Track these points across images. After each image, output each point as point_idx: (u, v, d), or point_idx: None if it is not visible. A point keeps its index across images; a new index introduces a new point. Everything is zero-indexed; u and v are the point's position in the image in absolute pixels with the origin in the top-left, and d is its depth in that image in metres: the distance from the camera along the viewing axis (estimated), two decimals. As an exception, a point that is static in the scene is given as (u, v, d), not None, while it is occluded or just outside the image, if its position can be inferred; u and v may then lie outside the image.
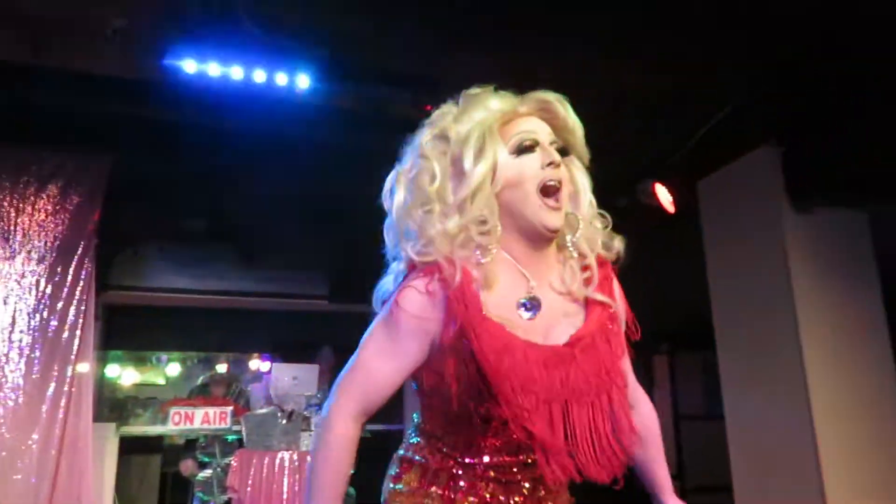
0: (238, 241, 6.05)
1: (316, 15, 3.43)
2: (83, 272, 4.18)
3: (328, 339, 6.44)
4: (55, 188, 4.23)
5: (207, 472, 5.97)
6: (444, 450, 1.42)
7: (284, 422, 5.27)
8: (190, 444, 6.27)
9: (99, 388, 5.21)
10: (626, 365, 1.45)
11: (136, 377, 7.98)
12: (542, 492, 1.40)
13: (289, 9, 3.41)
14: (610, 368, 1.34)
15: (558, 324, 1.35)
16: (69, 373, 4.04)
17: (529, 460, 1.35)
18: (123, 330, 6.69)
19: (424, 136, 1.42)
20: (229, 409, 5.85)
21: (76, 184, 4.28)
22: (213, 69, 3.34)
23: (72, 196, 4.25)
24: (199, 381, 7.25)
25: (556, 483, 1.32)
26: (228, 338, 7.15)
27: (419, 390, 1.44)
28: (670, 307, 5.89)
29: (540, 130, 1.39)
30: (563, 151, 1.42)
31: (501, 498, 1.38)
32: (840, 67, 3.67)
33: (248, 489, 5.23)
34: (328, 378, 6.36)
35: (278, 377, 5.50)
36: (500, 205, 1.33)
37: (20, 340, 4.01)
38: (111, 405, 6.84)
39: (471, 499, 1.37)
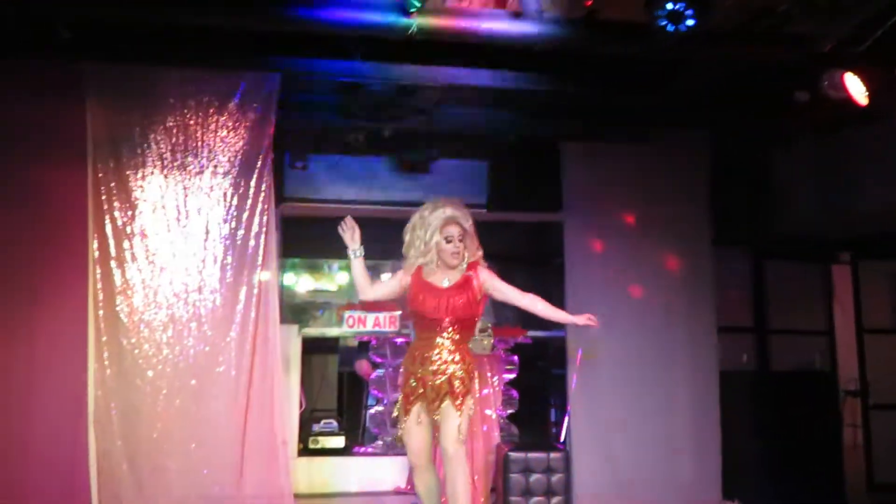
0: (399, 152, 6.18)
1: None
2: (263, 185, 4.48)
3: (486, 248, 6.53)
4: (233, 105, 4.51)
5: (380, 372, 6.38)
6: (414, 340, 3.76)
7: (450, 326, 5.45)
8: (363, 346, 6.70)
9: (280, 294, 5.65)
10: (473, 297, 3.65)
11: (311, 284, 8.55)
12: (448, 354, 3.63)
13: None
14: (462, 293, 3.60)
15: (451, 283, 3.63)
16: (256, 278, 4.41)
17: (442, 341, 3.63)
18: (297, 239, 7.10)
19: (418, 217, 3.64)
20: (398, 313, 6.14)
21: (250, 101, 4.53)
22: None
23: (248, 112, 4.52)
24: (369, 287, 7.62)
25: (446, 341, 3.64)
26: (394, 247, 7.41)
27: (411, 317, 3.85)
28: (855, 213, 5.41)
29: (454, 232, 3.58)
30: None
31: (427, 359, 3.60)
32: None
33: (418, 388, 5.51)
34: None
35: (442, 284, 5.66)
36: (438, 254, 3.59)
37: (214, 248, 4.41)
38: (291, 309, 7.40)
39: (419, 360, 3.63)
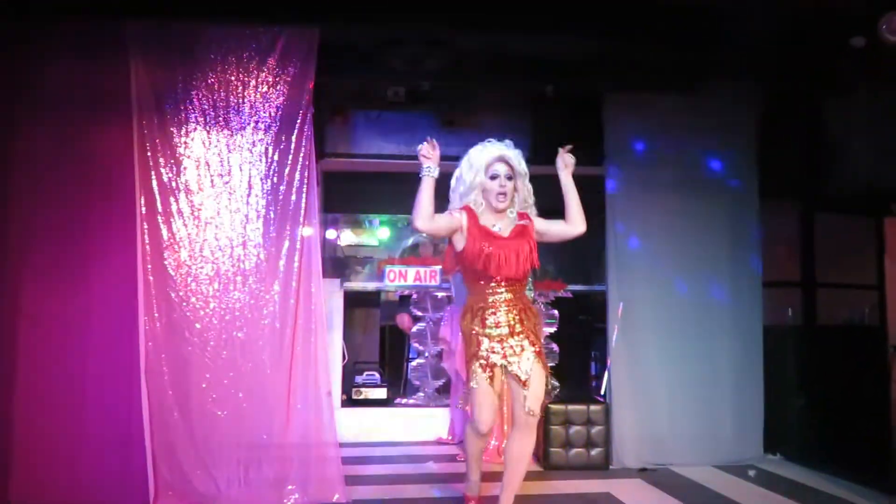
0: (439, 106, 6.14)
1: None
2: (303, 140, 4.49)
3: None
4: (273, 61, 4.50)
5: (421, 326, 6.46)
6: (471, 296, 3.54)
7: (490, 280, 5.47)
8: (404, 300, 6.78)
9: (322, 248, 5.73)
10: (534, 245, 3.49)
11: (353, 238, 8.65)
12: (516, 313, 3.48)
13: None
14: (523, 242, 3.43)
15: (506, 230, 3.47)
16: (299, 233, 4.46)
17: (505, 294, 3.47)
18: (339, 194, 7.18)
19: (465, 160, 3.50)
20: (438, 267, 6.18)
21: (290, 56, 4.51)
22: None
23: (288, 67, 4.50)
24: (410, 242, 7.72)
25: (513, 299, 3.48)
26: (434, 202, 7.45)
27: (462, 270, 3.61)
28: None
29: (501, 170, 3.43)
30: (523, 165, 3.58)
31: (501, 316, 3.44)
32: None
33: (458, 341, 5.58)
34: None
35: (482, 238, 5.66)
36: (483, 196, 3.46)
37: (257, 203, 4.46)
38: (333, 263, 7.51)
39: (484, 318, 3.45)
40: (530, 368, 3.42)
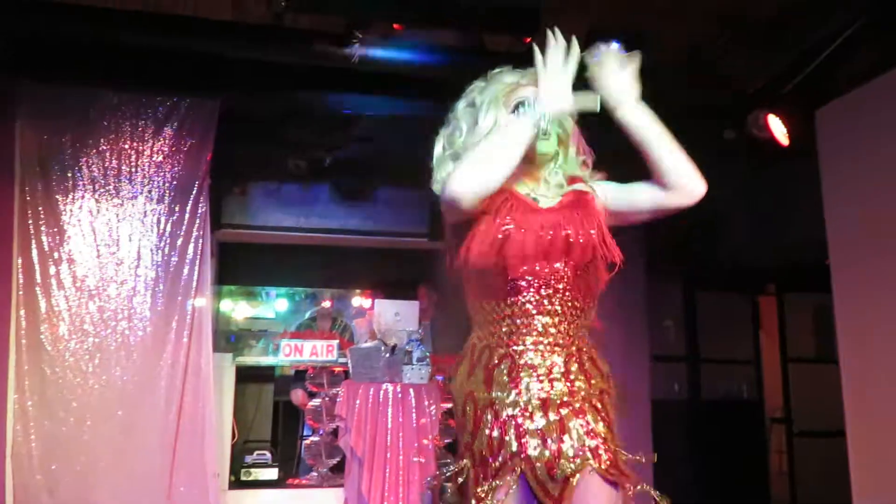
0: (339, 180, 6.18)
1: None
2: (199, 211, 4.41)
3: (427, 276, 6.57)
4: (170, 131, 4.44)
5: (316, 402, 6.30)
6: (480, 334, 1.88)
7: (388, 355, 5.43)
8: (299, 375, 6.61)
9: (215, 321, 5.54)
10: (603, 221, 1.97)
11: (248, 311, 8.41)
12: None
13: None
14: (581, 215, 1.87)
15: (550, 200, 1.90)
16: (189, 306, 4.31)
17: (545, 317, 1.78)
18: (235, 266, 7.03)
19: (460, 104, 1.95)
20: (335, 342, 6.09)
21: (189, 126, 4.47)
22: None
23: (185, 138, 4.45)
24: (307, 315, 7.60)
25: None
26: (332, 275, 7.40)
27: (465, 286, 1.92)
28: (780, 246, 5.64)
29: (532, 95, 1.78)
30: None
31: (538, 358, 1.79)
32: None
33: (355, 418, 5.47)
34: (429, 314, 6.50)
35: (381, 313, 5.65)
36: None
37: (146, 275, 4.30)
38: (226, 337, 7.26)
39: (507, 375, 1.77)
40: (592, 483, 1.74)
